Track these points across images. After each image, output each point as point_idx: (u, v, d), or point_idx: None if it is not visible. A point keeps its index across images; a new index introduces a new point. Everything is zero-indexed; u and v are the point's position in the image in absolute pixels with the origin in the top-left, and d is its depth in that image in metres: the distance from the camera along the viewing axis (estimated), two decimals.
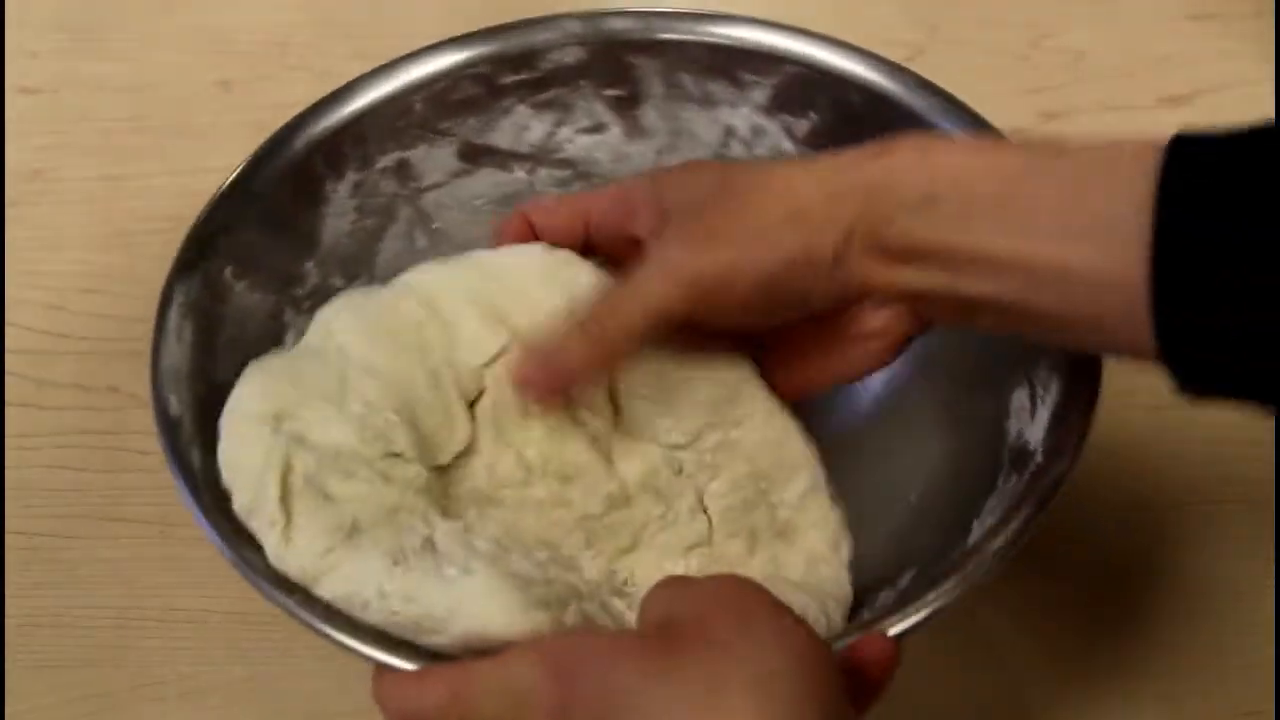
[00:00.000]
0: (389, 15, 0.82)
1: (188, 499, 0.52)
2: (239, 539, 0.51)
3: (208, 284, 0.58)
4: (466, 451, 0.56)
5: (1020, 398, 0.57)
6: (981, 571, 0.51)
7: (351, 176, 0.63)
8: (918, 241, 0.50)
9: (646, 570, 0.56)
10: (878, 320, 0.54)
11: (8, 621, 0.63)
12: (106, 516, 0.66)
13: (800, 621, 0.46)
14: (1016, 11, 0.83)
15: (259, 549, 0.51)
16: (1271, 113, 0.72)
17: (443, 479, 0.55)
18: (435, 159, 0.65)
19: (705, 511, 0.57)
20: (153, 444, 0.67)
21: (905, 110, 0.61)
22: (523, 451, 0.56)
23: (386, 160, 0.64)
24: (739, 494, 0.57)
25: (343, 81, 0.63)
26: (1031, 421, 0.56)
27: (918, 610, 0.50)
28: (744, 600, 0.47)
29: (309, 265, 0.62)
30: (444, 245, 0.65)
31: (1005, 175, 0.49)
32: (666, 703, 0.43)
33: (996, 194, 0.49)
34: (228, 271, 0.59)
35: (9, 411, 0.69)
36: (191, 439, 0.54)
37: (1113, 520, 0.66)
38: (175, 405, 0.55)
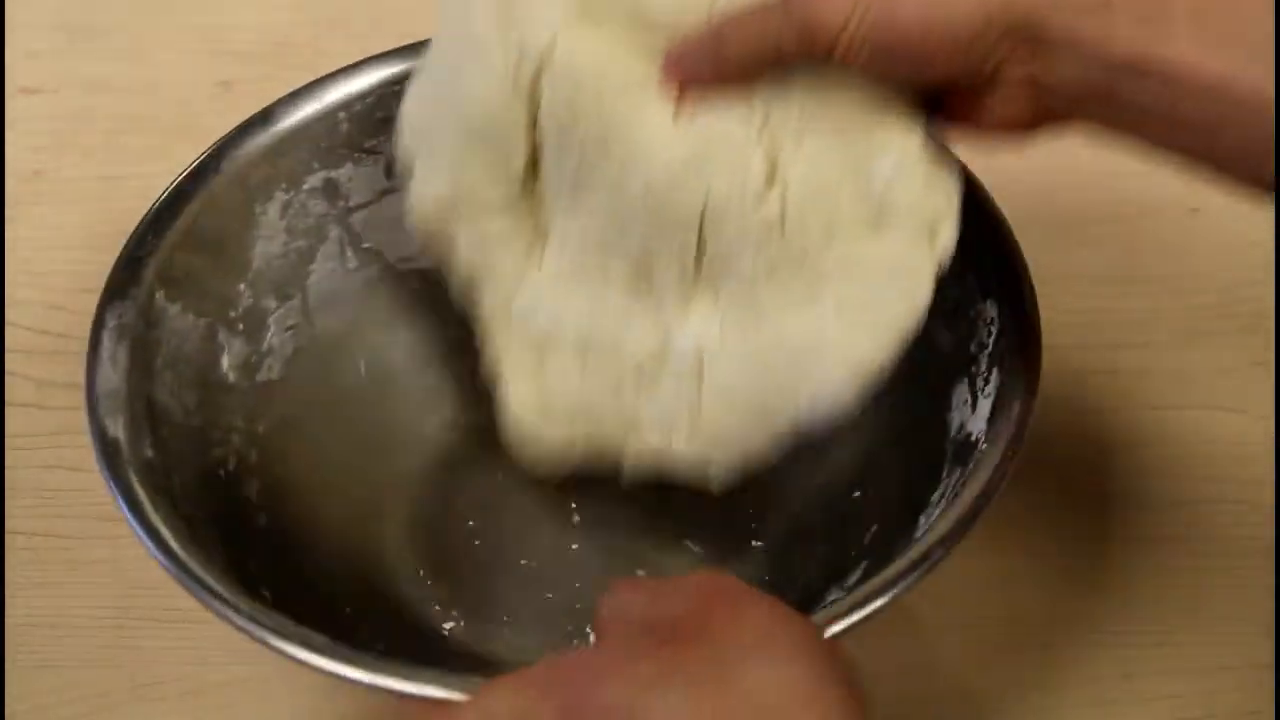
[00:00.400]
0: (389, 15, 0.82)
1: (131, 519, 0.54)
2: (190, 554, 0.53)
3: (139, 308, 0.59)
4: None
5: (961, 391, 0.58)
6: (929, 564, 0.52)
7: (280, 197, 0.64)
8: (1085, 39, 0.49)
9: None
10: (1008, 108, 0.52)
11: (8, 621, 0.63)
12: (106, 516, 0.66)
13: (778, 603, 0.45)
14: None
15: (212, 568, 0.53)
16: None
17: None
18: (362, 177, 0.65)
19: (780, 185, 0.54)
20: None
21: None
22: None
23: (314, 180, 0.64)
24: (827, 159, 0.54)
25: None
26: (973, 414, 0.57)
27: (866, 605, 0.50)
28: (723, 590, 0.45)
29: (241, 287, 0.63)
30: (375, 264, 0.66)
31: None
32: (673, 709, 0.41)
33: (1189, 7, 0.49)
34: (159, 295, 0.60)
35: (9, 411, 0.69)
36: (130, 459, 0.56)
37: (1112, 520, 0.66)
38: (113, 427, 0.56)
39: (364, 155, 0.65)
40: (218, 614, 0.52)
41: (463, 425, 0.67)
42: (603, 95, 0.54)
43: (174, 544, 0.54)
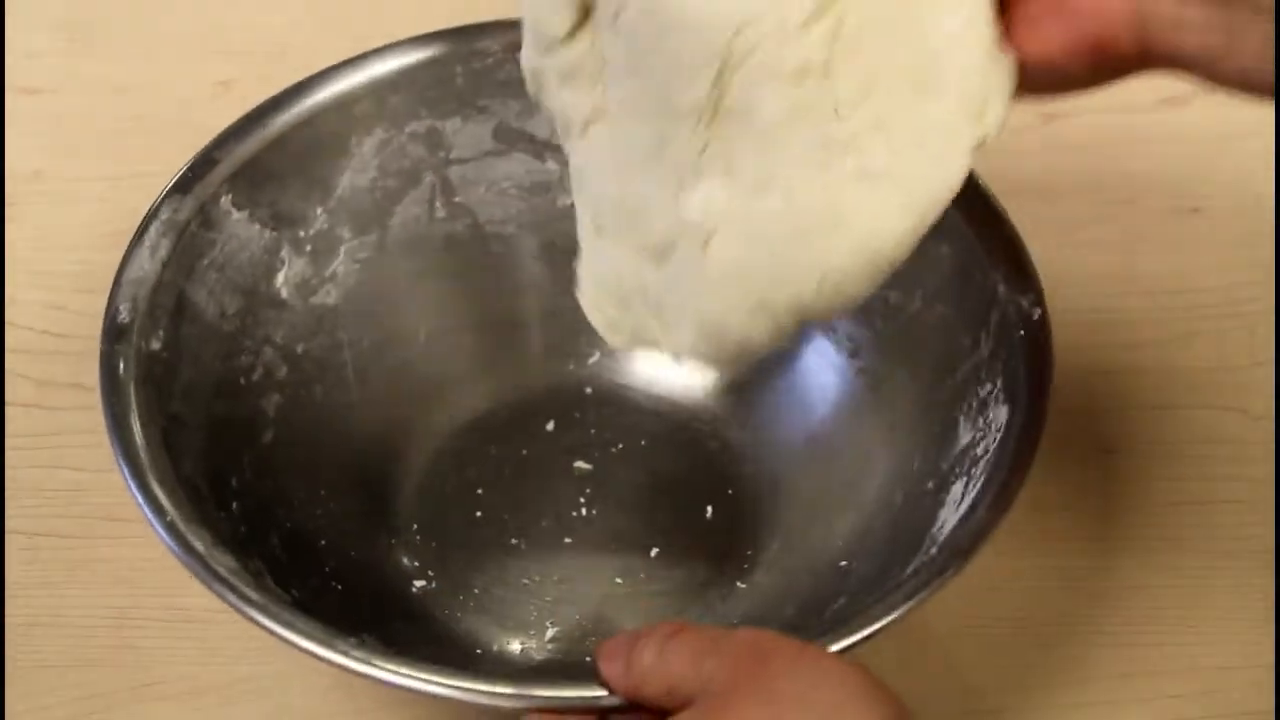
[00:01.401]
0: (389, 15, 0.82)
1: (113, 438, 0.55)
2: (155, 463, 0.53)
3: (201, 206, 0.59)
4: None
5: (970, 414, 0.58)
6: (938, 580, 0.52)
7: (379, 133, 0.64)
8: None
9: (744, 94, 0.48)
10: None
11: (8, 621, 0.63)
12: (106, 516, 0.66)
13: (829, 655, 0.47)
14: None
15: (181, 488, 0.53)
16: (1272, 114, 0.72)
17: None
18: (469, 134, 0.65)
19: (830, 19, 0.48)
20: None
21: None
22: None
23: (418, 125, 0.64)
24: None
25: None
26: (983, 436, 0.57)
27: (871, 623, 0.51)
28: (776, 648, 0.47)
29: (318, 211, 0.63)
30: (463, 220, 0.65)
31: None
32: None
33: None
34: (226, 198, 0.60)
35: (9, 411, 0.69)
36: (134, 345, 0.57)
37: (1112, 520, 0.66)
38: (126, 313, 0.57)
39: (475, 112, 0.65)
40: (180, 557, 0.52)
41: (503, 398, 0.67)
42: None
43: (144, 455, 0.55)
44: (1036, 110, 0.78)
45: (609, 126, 0.52)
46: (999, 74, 0.48)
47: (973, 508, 0.55)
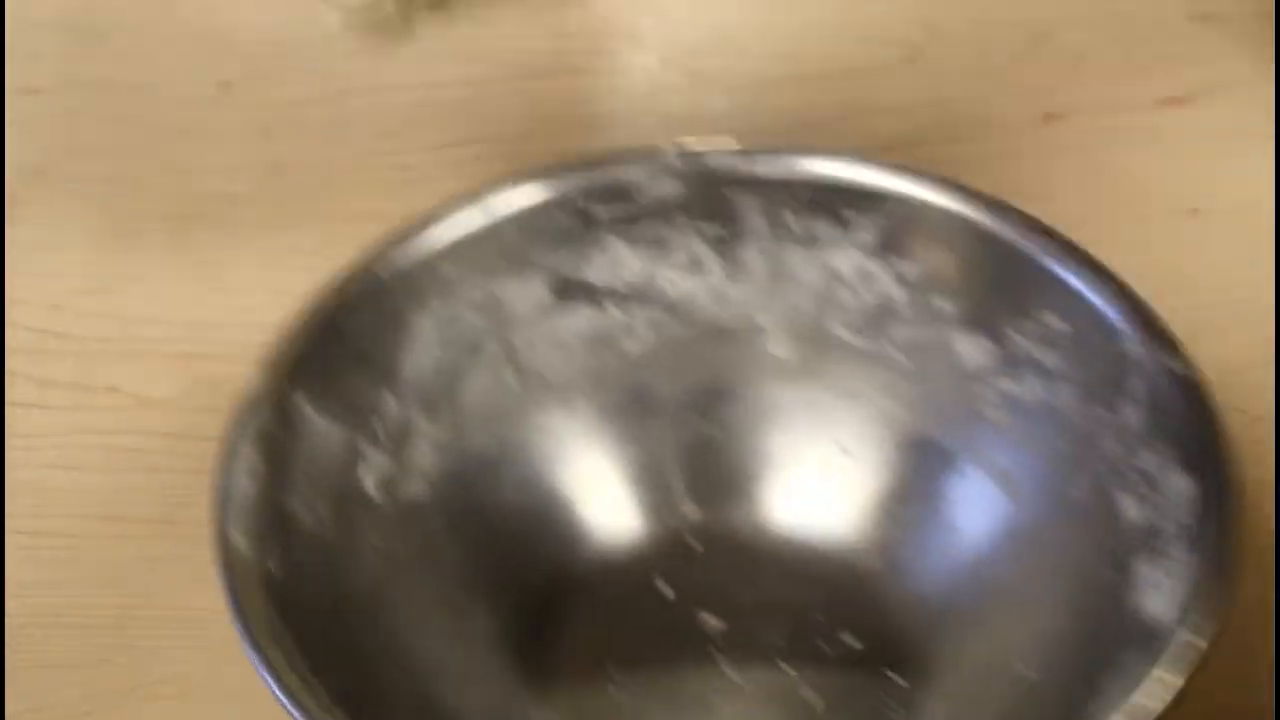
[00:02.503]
0: None
1: (248, 647, 0.52)
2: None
3: (280, 412, 0.57)
4: None
5: (1146, 568, 0.54)
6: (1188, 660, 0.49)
7: (436, 307, 0.61)
8: None
9: None
10: None
11: (8, 621, 0.63)
12: (106, 516, 0.66)
13: None
14: (1016, 11, 0.83)
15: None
16: (1271, 113, 0.72)
17: None
18: (525, 293, 0.62)
19: None
20: (153, 444, 0.68)
21: (1021, 255, 0.60)
22: None
23: (473, 292, 0.61)
24: None
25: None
26: (1160, 595, 0.53)
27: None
28: None
29: (388, 397, 0.60)
30: (534, 385, 0.63)
31: None
32: None
33: None
34: (301, 399, 0.57)
35: (9, 411, 0.69)
36: (252, 572, 0.53)
37: None
38: (240, 539, 0.54)
39: (527, 269, 0.62)
40: None
41: (605, 561, 0.63)
42: None
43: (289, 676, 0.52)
44: (1036, 110, 0.79)
45: None
46: None
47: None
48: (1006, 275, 0.59)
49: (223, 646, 0.63)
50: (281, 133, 0.78)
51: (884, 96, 0.79)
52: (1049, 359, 0.60)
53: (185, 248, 0.74)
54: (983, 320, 0.60)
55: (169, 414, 0.68)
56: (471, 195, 0.62)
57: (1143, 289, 0.72)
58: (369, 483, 0.59)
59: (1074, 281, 0.59)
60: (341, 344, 0.59)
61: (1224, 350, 0.70)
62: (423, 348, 0.61)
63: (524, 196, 0.62)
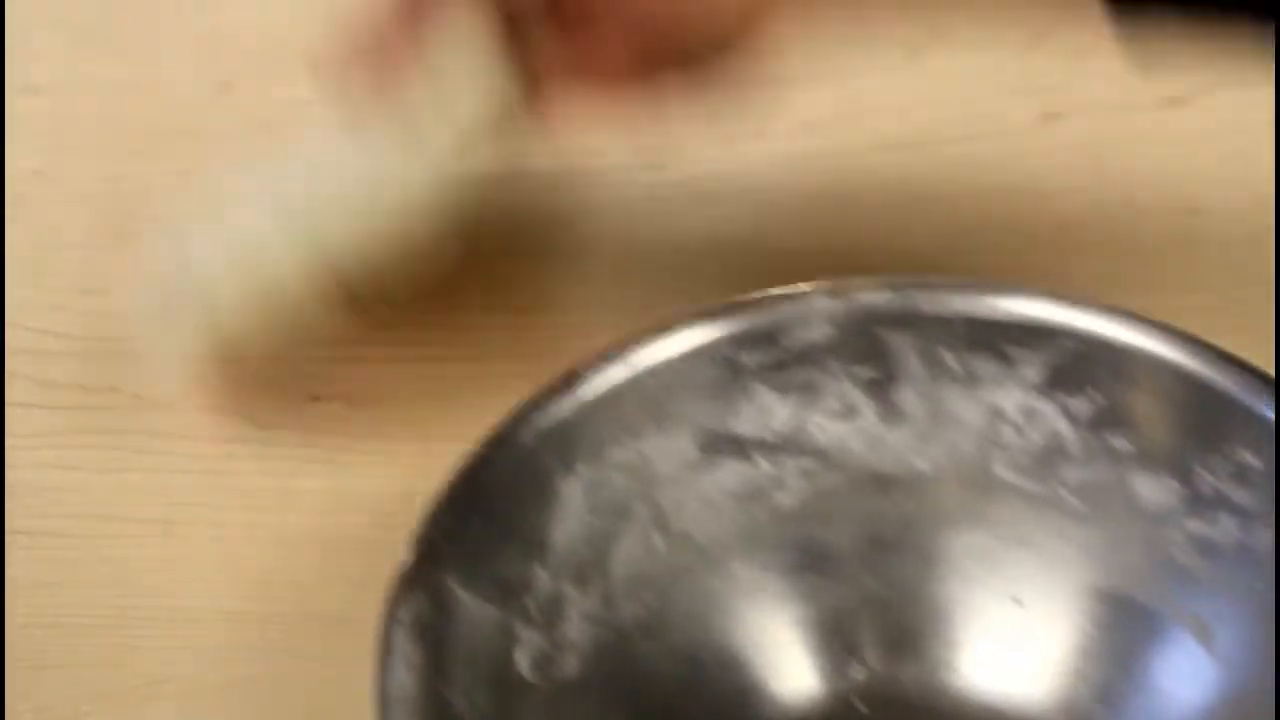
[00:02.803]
0: None
1: None
2: None
3: (434, 598, 0.53)
4: None
5: None
6: None
7: (583, 471, 0.57)
8: None
9: None
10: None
11: (8, 621, 0.63)
12: (106, 516, 0.66)
13: None
14: (1016, 10, 0.83)
15: None
16: (1271, 113, 0.72)
17: None
18: (671, 450, 0.59)
19: None
20: (153, 444, 0.68)
21: (1209, 388, 0.55)
22: None
23: (620, 453, 0.58)
24: None
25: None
26: None
27: None
28: None
29: (539, 571, 0.56)
30: (684, 549, 0.59)
31: None
32: None
33: None
34: (453, 581, 0.54)
35: (9, 411, 0.69)
36: None
37: None
38: None
39: (673, 424, 0.59)
40: None
41: None
42: None
43: None
44: (1036, 110, 0.79)
45: None
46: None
47: None
48: (1192, 409, 0.55)
49: (223, 647, 0.63)
50: (281, 133, 0.78)
51: (884, 97, 0.79)
52: (1241, 497, 0.55)
53: None
54: (1165, 458, 0.55)
55: (169, 414, 0.68)
56: (615, 347, 0.58)
57: (1143, 288, 0.73)
58: (524, 664, 0.55)
59: (1268, 413, 0.54)
60: (490, 517, 0.56)
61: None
62: (572, 515, 0.58)
63: (668, 347, 0.59)
